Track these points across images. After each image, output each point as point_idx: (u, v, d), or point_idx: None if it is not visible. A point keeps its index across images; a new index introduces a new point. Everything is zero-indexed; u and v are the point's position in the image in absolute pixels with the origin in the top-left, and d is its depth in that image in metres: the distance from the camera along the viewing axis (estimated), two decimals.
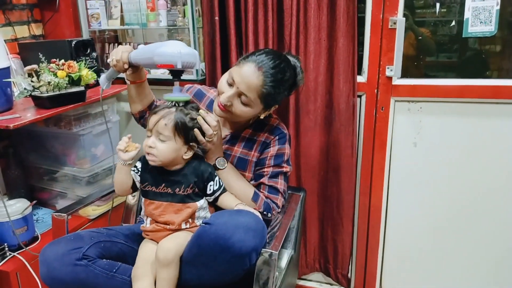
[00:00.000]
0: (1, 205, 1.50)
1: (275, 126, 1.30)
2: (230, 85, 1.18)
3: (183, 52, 1.08)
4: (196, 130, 1.13)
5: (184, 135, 1.11)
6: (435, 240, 1.70)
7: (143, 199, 1.21)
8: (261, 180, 1.26)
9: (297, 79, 1.24)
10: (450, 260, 1.70)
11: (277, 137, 1.28)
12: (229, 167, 1.24)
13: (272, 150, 1.27)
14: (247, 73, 1.15)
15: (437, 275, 1.73)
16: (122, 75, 1.29)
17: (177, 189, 1.14)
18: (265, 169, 1.27)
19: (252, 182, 1.28)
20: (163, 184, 1.15)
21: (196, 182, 1.15)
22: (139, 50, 1.20)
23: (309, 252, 1.84)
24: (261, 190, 1.26)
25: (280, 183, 1.28)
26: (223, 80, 1.21)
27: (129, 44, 1.92)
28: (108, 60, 1.26)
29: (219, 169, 1.22)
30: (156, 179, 1.16)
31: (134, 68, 1.23)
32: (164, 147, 1.11)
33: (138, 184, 1.21)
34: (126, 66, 1.21)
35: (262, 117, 1.26)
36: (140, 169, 1.20)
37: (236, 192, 1.22)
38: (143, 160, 1.19)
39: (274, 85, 1.16)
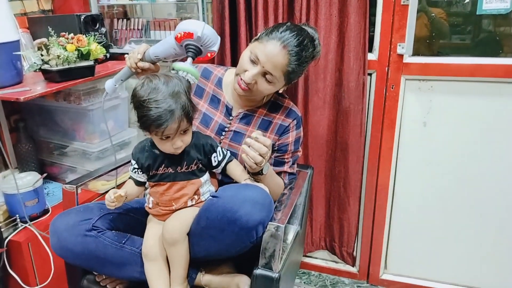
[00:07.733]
0: (12, 178, 1.52)
1: (290, 108, 1.31)
2: (253, 62, 1.17)
3: (206, 25, 1.08)
4: (244, 156, 1.11)
5: (191, 117, 1.09)
6: (441, 220, 1.69)
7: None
8: (284, 169, 1.31)
9: (315, 51, 1.23)
10: (457, 240, 1.70)
11: (294, 121, 1.30)
12: (270, 169, 1.22)
13: (291, 136, 1.30)
14: (273, 52, 1.14)
15: (443, 256, 1.74)
16: None
17: (179, 167, 1.14)
18: (286, 156, 1.31)
19: (273, 167, 1.29)
20: (163, 165, 1.14)
21: (199, 158, 1.15)
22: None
23: (315, 230, 1.85)
24: (283, 177, 1.32)
25: (295, 168, 1.36)
26: (245, 58, 1.19)
27: (138, 20, 1.92)
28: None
29: (263, 174, 1.18)
30: (155, 162, 1.15)
31: (147, 64, 1.21)
32: (188, 137, 1.11)
33: (145, 179, 1.20)
34: (139, 56, 1.19)
35: (281, 91, 1.27)
36: (137, 166, 1.18)
37: (272, 188, 1.21)
38: (136, 155, 1.17)
39: (299, 63, 1.17)
